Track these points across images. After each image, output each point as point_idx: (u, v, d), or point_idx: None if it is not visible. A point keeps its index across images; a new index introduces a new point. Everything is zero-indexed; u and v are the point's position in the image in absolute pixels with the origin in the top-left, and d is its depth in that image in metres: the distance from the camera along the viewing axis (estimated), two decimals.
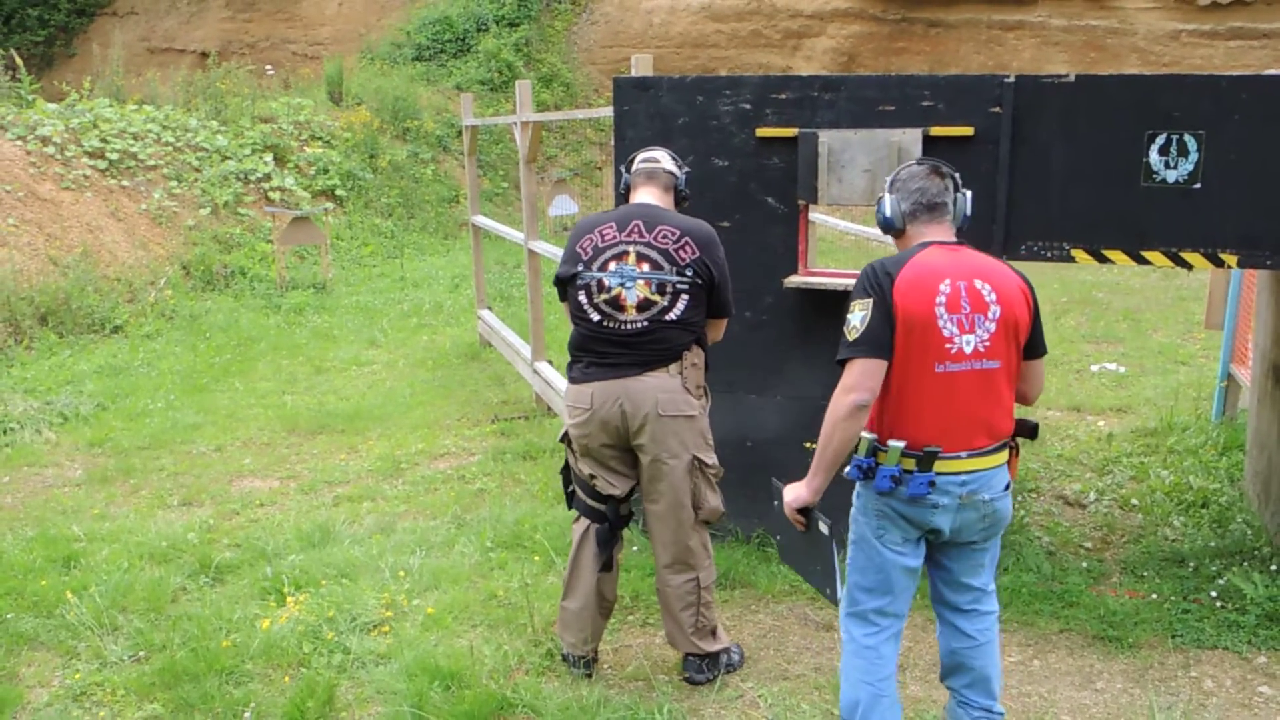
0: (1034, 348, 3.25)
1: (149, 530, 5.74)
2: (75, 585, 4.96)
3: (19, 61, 15.02)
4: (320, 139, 16.33)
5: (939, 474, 3.10)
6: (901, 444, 3.09)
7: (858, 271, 5.00)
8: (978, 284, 3.12)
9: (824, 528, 3.21)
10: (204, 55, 21.59)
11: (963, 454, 3.11)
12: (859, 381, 3.04)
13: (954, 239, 3.25)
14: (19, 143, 12.26)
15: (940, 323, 3.07)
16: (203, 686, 4.10)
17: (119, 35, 22.39)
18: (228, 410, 8.21)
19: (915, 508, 3.14)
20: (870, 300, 3.07)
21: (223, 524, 5.88)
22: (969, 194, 3.33)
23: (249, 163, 14.62)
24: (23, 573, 5.17)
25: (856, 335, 3.06)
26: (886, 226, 3.33)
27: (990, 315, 3.11)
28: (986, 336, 3.11)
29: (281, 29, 23.79)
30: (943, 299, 3.07)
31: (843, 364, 3.10)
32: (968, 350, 3.09)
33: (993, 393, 3.15)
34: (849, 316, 3.11)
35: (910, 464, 3.10)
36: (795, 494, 3.25)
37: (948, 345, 3.08)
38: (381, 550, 5.29)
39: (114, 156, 13.03)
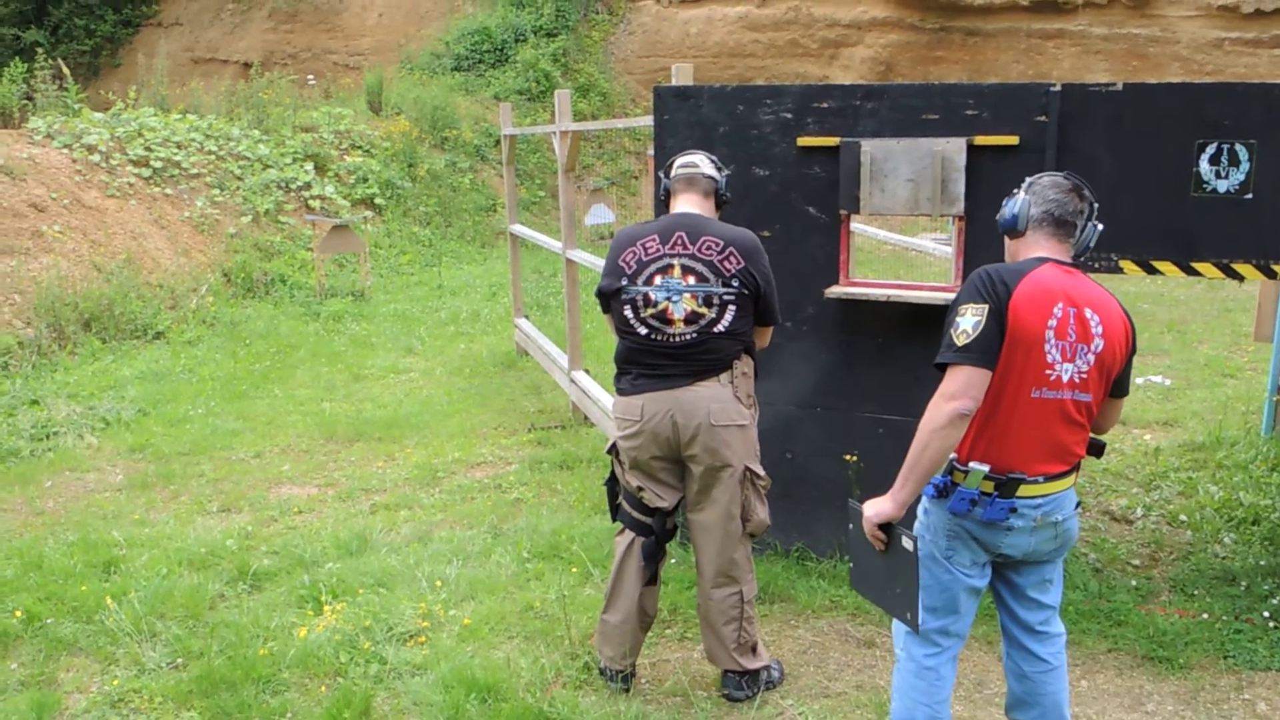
0: (1120, 387, 3.17)
1: (188, 536, 5.76)
2: (115, 591, 4.99)
3: (66, 71, 15.24)
4: (360, 148, 16.44)
5: (1019, 499, 3.03)
6: (985, 468, 3.01)
7: (900, 282, 4.98)
8: (1088, 313, 3.03)
9: (909, 544, 3.03)
10: (247, 65, 21.81)
11: (1040, 478, 3.04)
12: (964, 389, 2.91)
13: (1070, 262, 3.13)
14: (65, 151, 12.42)
15: (1046, 346, 2.98)
16: (240, 695, 4.10)
17: (164, 45, 22.68)
18: (267, 417, 8.25)
19: (989, 530, 3.08)
20: (986, 306, 2.94)
21: (261, 531, 5.90)
22: (1100, 227, 3.20)
23: (290, 171, 14.74)
24: (63, 578, 5.20)
25: (967, 340, 2.92)
26: (1009, 225, 3.18)
27: (1092, 348, 3.03)
28: (1085, 368, 3.03)
29: (323, 39, 23.99)
30: (1054, 322, 2.98)
31: (942, 369, 2.98)
32: (1064, 379, 3.01)
33: (1078, 423, 3.07)
34: (958, 319, 2.97)
35: (989, 487, 3.03)
36: (877, 508, 3.07)
37: (1048, 371, 2.99)
38: (418, 559, 5.28)
39: (158, 165, 13.17)
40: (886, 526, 3.08)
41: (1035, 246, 3.15)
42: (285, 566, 5.31)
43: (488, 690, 4.03)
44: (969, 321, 2.95)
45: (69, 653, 4.57)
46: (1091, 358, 3.03)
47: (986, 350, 2.93)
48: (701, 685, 4.12)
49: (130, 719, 4.07)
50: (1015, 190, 3.23)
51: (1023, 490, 3.03)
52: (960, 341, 2.94)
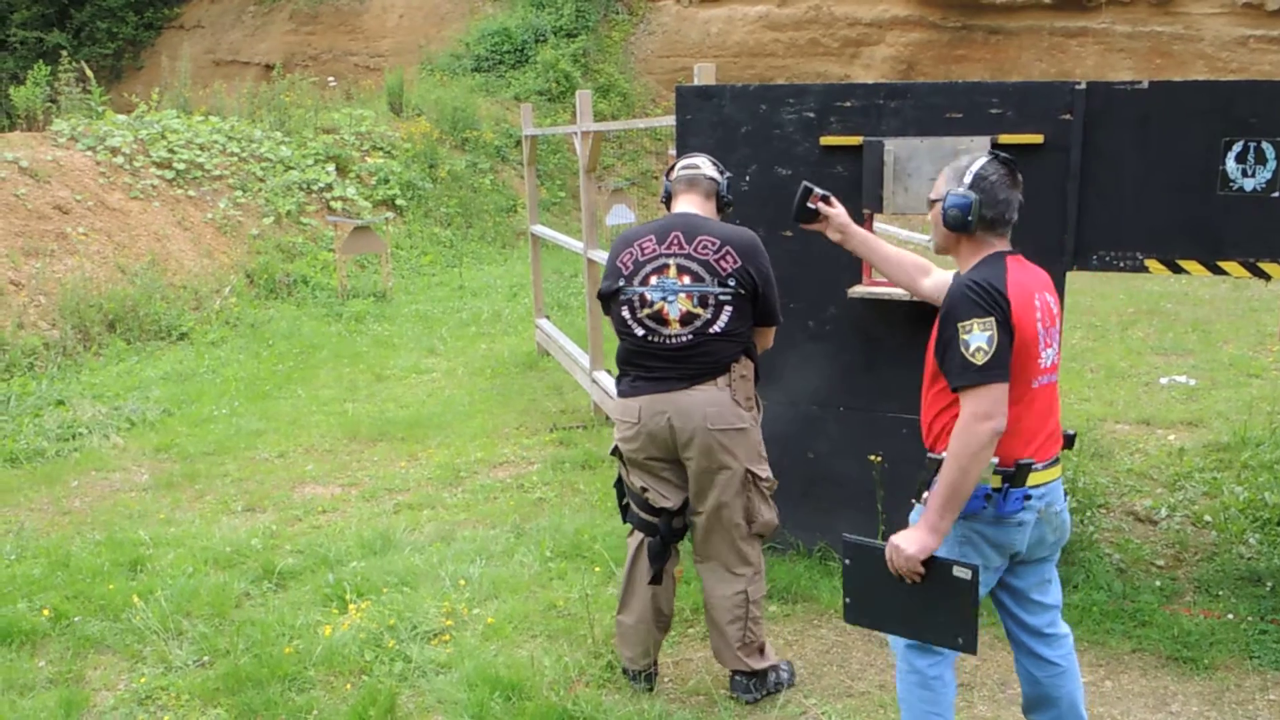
0: None
1: (213, 535, 5.81)
2: (142, 589, 5.03)
3: (89, 74, 15.34)
4: (381, 149, 16.50)
5: (1030, 487, 3.05)
6: (994, 460, 3.00)
7: None
8: (1048, 298, 3.12)
9: (964, 573, 2.93)
10: (268, 67, 21.94)
11: (1040, 465, 3.07)
12: (996, 407, 2.90)
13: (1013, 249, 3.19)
14: (89, 153, 12.52)
15: (1039, 339, 3.03)
16: (266, 693, 4.13)
17: (186, 48, 22.79)
18: (290, 417, 8.29)
19: (1001, 528, 3.07)
20: (992, 319, 2.92)
21: (285, 530, 5.93)
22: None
23: (311, 173, 14.81)
24: (90, 576, 5.25)
25: (986, 358, 2.90)
26: (959, 225, 3.10)
27: (1057, 327, 3.14)
28: (1056, 349, 3.12)
29: (344, 41, 24.08)
30: (1039, 314, 3.03)
31: (962, 389, 2.93)
32: (1046, 364, 3.08)
33: (1058, 403, 3.17)
34: (967, 338, 2.92)
35: (997, 482, 3.02)
36: (921, 544, 2.96)
37: (1039, 360, 3.04)
38: (442, 558, 5.30)
39: (181, 167, 13.26)
40: (927, 559, 3.01)
41: (986, 245, 3.14)
42: (310, 565, 5.34)
43: (512, 689, 4.04)
44: (981, 338, 2.92)
45: (96, 650, 4.62)
46: (1057, 337, 3.14)
47: (1005, 364, 2.93)
48: (724, 684, 4.12)
49: (158, 716, 4.11)
50: (959, 186, 3.10)
51: (1031, 478, 3.05)
52: (979, 360, 2.91)
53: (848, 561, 3.17)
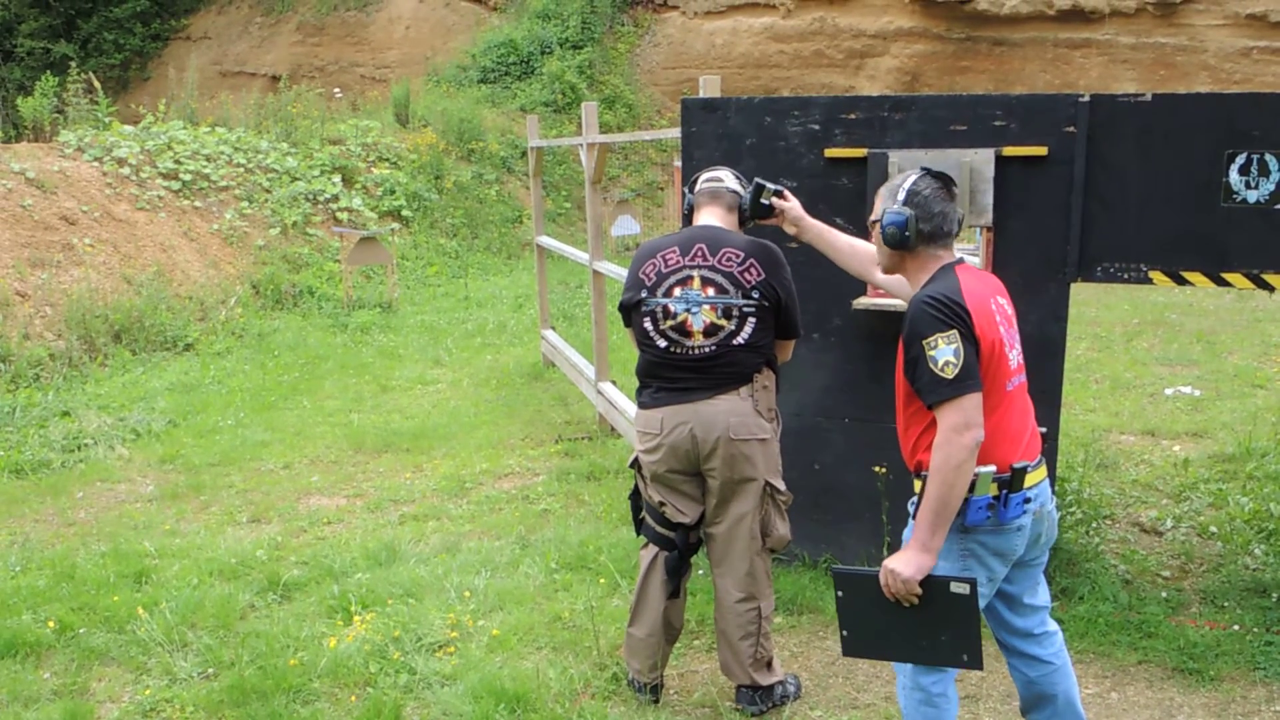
0: None
1: (218, 547, 5.81)
2: (146, 601, 5.04)
3: (96, 85, 15.40)
4: (387, 160, 16.55)
5: (1027, 489, 3.06)
6: (991, 468, 3.00)
7: None
8: (1001, 301, 3.17)
9: (963, 588, 2.92)
10: (275, 78, 22.01)
11: (1031, 466, 3.09)
12: (973, 417, 2.91)
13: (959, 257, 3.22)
14: (96, 164, 12.57)
15: (1005, 342, 3.07)
16: (271, 705, 4.13)
17: (193, 59, 22.90)
18: (295, 428, 8.30)
19: (1002, 536, 3.07)
20: (955, 331, 2.93)
21: (290, 541, 5.94)
22: None
23: (318, 184, 14.85)
24: (95, 588, 5.26)
25: (955, 370, 2.90)
26: (898, 241, 3.13)
27: (1015, 328, 3.20)
28: (1019, 349, 3.18)
29: (350, 53, 24.18)
30: (999, 318, 3.07)
31: (938, 405, 2.94)
32: (1013, 366, 3.12)
33: (1030, 403, 3.21)
34: (934, 353, 2.93)
35: (995, 490, 3.02)
36: (917, 565, 2.94)
37: (1009, 362, 3.09)
38: (447, 570, 5.31)
39: (187, 178, 13.31)
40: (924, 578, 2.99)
41: (933, 259, 3.16)
42: (315, 577, 5.35)
43: (517, 701, 4.04)
44: (947, 351, 2.92)
45: (101, 662, 4.62)
46: (1018, 337, 3.18)
47: (975, 373, 2.94)
48: (729, 696, 4.11)
49: None
50: (894, 204, 3.13)
51: (1028, 479, 3.06)
52: (949, 374, 2.91)
53: (840, 594, 3.14)
